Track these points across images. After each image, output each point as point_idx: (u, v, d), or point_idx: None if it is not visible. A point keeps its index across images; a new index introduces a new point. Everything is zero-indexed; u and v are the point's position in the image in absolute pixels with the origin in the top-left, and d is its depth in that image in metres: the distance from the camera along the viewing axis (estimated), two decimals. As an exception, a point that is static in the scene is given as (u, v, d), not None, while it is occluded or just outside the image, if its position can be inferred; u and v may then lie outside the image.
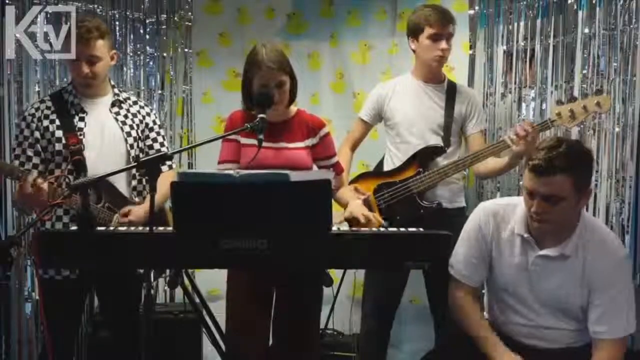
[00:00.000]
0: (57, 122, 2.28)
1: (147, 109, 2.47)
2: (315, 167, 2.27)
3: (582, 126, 2.87)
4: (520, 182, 3.10)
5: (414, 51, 2.68)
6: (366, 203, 2.58)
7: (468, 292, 2.10)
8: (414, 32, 2.62)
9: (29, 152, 2.27)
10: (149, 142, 2.44)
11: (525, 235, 1.97)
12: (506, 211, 2.05)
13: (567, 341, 2.00)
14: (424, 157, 2.62)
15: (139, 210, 2.28)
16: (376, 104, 2.74)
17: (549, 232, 1.93)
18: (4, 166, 2.22)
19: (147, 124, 2.43)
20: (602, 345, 1.91)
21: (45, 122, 2.28)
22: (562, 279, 1.95)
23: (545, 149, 1.82)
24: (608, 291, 1.91)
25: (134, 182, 2.40)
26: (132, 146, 2.36)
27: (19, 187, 2.10)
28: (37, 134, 2.27)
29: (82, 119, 2.31)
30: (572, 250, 1.93)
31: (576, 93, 2.83)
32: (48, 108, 2.30)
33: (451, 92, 2.68)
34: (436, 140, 2.63)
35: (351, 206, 2.11)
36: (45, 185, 2.09)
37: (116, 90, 2.41)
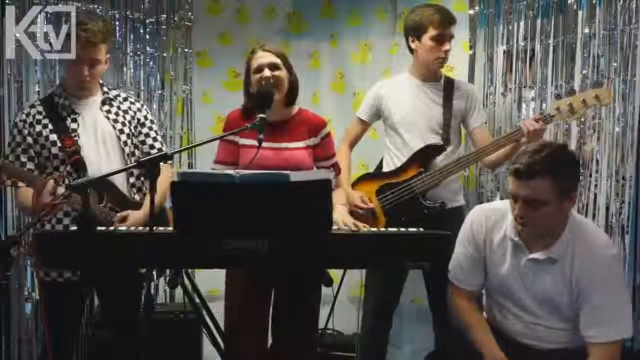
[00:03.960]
0: (50, 126, 2.26)
1: (137, 105, 2.46)
2: (314, 168, 2.27)
3: (582, 126, 2.87)
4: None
5: (413, 50, 2.66)
6: (370, 212, 2.59)
7: (465, 295, 2.11)
8: (416, 32, 2.60)
9: (23, 158, 2.25)
10: (141, 137, 2.42)
11: (516, 239, 1.98)
12: (498, 215, 2.05)
13: (564, 341, 2.00)
14: (424, 157, 2.61)
15: (136, 215, 2.26)
16: (374, 103, 2.74)
17: (532, 235, 1.93)
18: (7, 167, 2.19)
19: (138, 120, 2.42)
20: (593, 350, 1.89)
21: (38, 127, 2.26)
22: (552, 281, 1.95)
23: (529, 154, 1.84)
24: (596, 295, 1.88)
25: (132, 179, 2.39)
26: (125, 143, 2.35)
27: (34, 193, 2.06)
28: (29, 140, 2.26)
29: (74, 120, 2.30)
30: (560, 254, 1.92)
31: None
32: (39, 113, 2.29)
33: (449, 89, 2.68)
34: (436, 139, 2.63)
35: (335, 213, 2.06)
36: (60, 191, 2.08)
37: (105, 89, 2.39)
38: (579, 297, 1.91)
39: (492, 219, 2.05)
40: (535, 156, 1.81)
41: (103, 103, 2.36)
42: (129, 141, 2.36)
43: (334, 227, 1.94)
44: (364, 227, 1.97)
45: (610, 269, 1.91)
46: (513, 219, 1.95)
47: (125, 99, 2.44)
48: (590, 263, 1.89)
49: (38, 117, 2.28)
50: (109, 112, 2.36)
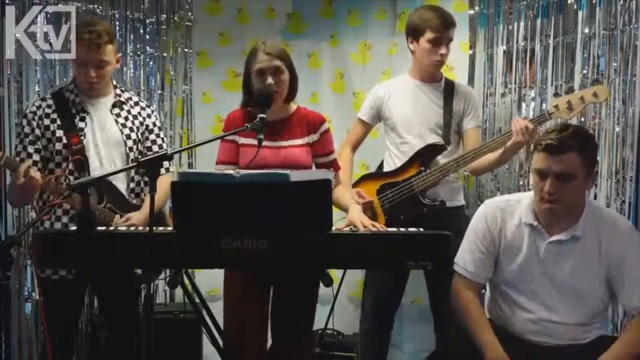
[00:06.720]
0: (58, 122, 2.27)
1: (148, 110, 2.46)
2: (314, 166, 2.27)
3: (582, 126, 2.87)
4: (520, 182, 3.11)
5: (412, 52, 2.67)
6: (369, 207, 2.59)
7: (472, 290, 2.11)
8: (414, 33, 2.61)
9: (30, 149, 2.26)
10: (148, 144, 2.43)
11: (534, 223, 2.00)
12: (511, 205, 2.09)
13: (574, 337, 2.01)
14: (425, 156, 2.62)
15: (138, 217, 2.25)
16: (374, 104, 2.74)
17: (557, 214, 1.96)
18: (9, 162, 2.16)
19: (147, 126, 2.42)
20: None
21: (46, 121, 2.27)
22: (576, 262, 1.97)
23: (556, 131, 1.92)
24: (632, 263, 1.94)
25: (132, 185, 2.39)
26: (131, 149, 2.35)
27: (13, 177, 2.08)
28: (37, 132, 2.26)
29: (82, 119, 2.30)
30: (583, 231, 1.97)
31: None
32: (49, 107, 2.29)
33: (449, 91, 2.68)
34: (436, 140, 2.63)
35: (351, 213, 2.07)
36: (37, 175, 2.06)
37: (118, 91, 2.39)
38: (613, 274, 1.96)
39: (506, 210, 2.08)
40: (564, 132, 1.90)
41: (114, 105, 2.36)
42: (134, 147, 2.36)
43: (352, 228, 1.94)
44: (382, 227, 1.96)
45: (638, 239, 1.99)
46: (533, 205, 1.99)
47: (137, 104, 2.43)
48: (619, 236, 1.97)
49: (47, 110, 2.29)
50: (118, 115, 2.36)
